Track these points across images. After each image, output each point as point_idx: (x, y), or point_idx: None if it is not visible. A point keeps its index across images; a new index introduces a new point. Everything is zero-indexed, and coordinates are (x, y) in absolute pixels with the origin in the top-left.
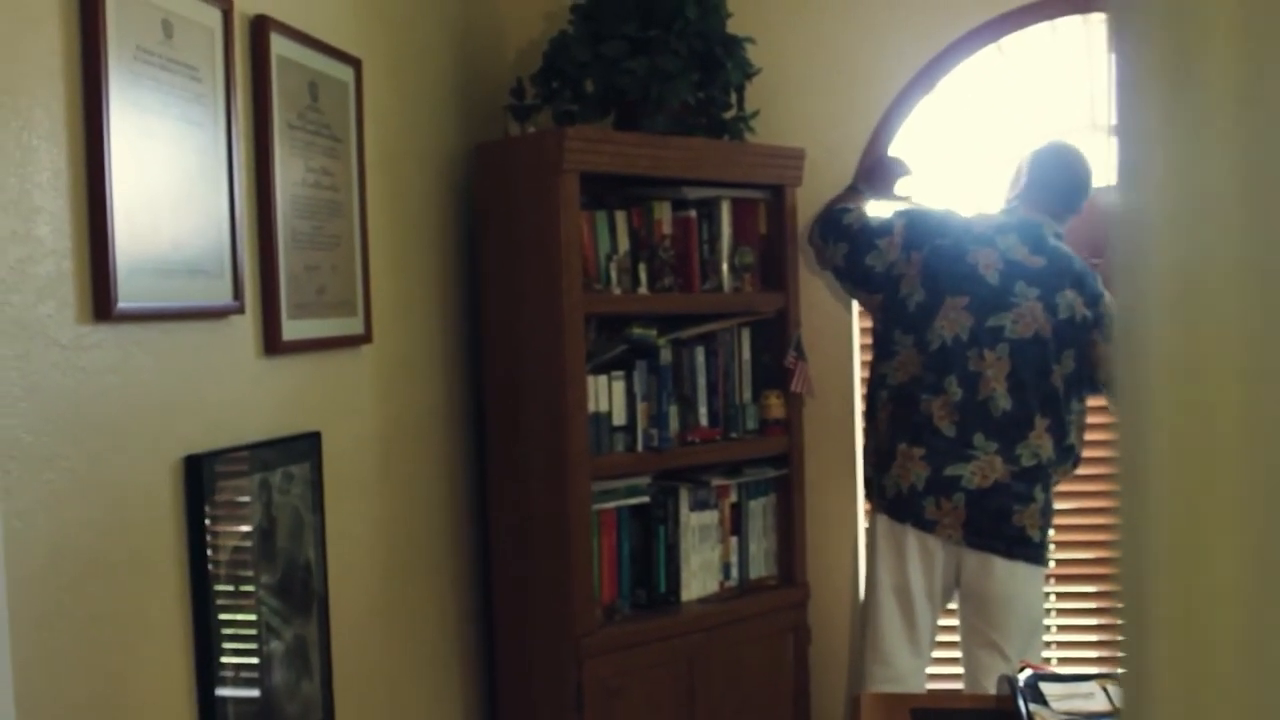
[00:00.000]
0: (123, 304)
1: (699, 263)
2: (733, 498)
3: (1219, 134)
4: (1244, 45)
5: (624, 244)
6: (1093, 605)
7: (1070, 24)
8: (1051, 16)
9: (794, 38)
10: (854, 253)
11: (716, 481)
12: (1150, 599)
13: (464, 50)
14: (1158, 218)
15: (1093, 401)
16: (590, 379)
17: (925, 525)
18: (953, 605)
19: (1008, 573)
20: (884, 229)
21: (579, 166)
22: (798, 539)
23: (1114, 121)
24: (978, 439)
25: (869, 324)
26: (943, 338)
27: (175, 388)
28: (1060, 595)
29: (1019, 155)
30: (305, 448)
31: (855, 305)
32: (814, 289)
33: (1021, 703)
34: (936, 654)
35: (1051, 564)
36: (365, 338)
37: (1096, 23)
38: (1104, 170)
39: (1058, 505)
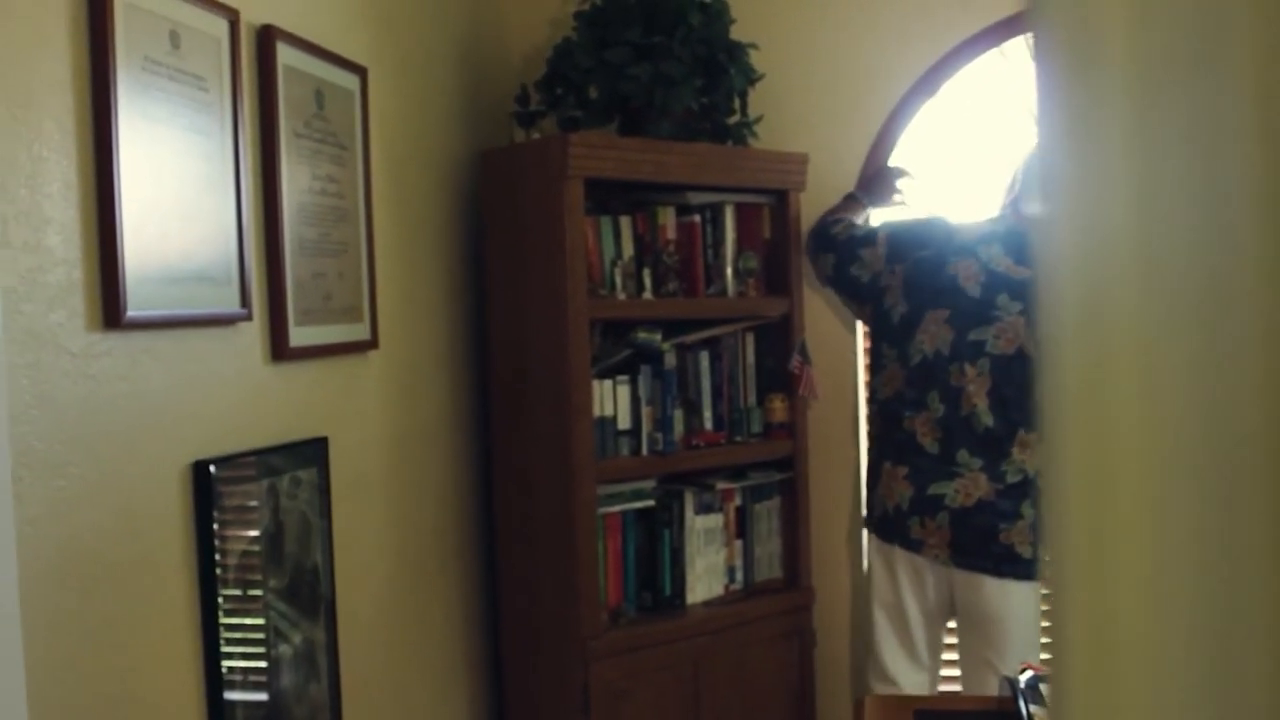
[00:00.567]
0: (132, 312)
1: (703, 267)
2: (737, 501)
3: (1115, 139)
4: (1136, 53)
5: (628, 249)
6: None
7: None
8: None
9: (797, 43)
10: (840, 263)
11: (721, 485)
12: (1066, 600)
13: (469, 57)
14: (1063, 226)
15: None
16: (595, 383)
17: (912, 545)
18: (953, 624)
19: (1000, 592)
20: (868, 238)
21: (583, 172)
22: (802, 542)
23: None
24: (961, 456)
25: None
26: (924, 352)
27: (184, 394)
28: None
29: (1018, 160)
30: (312, 453)
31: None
32: (818, 293)
33: (1022, 703)
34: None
35: None
36: (372, 343)
37: None
38: None
39: None
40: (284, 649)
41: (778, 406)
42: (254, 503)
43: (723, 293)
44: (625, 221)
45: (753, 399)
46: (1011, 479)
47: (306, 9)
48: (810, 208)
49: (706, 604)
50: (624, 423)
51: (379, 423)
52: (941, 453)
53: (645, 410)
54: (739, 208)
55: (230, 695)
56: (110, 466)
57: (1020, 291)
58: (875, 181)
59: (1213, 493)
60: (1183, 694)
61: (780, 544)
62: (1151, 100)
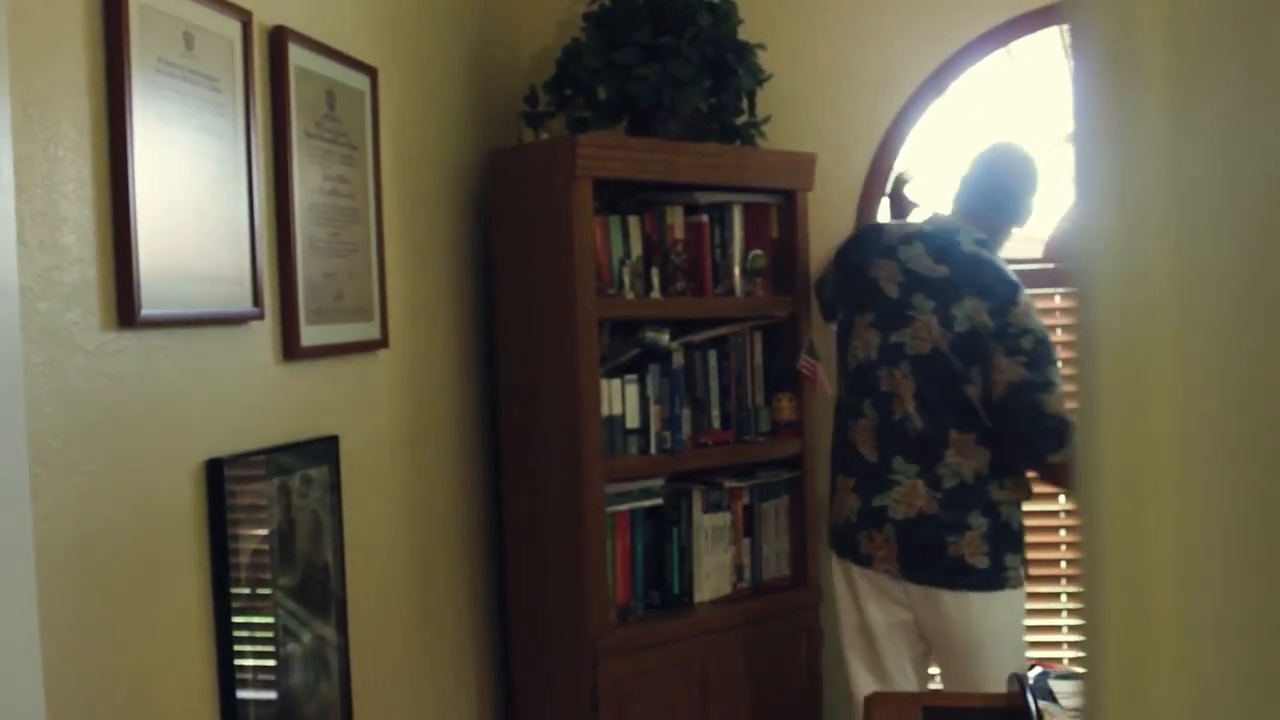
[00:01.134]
0: (146, 311)
1: (711, 267)
2: (745, 499)
3: (1152, 144)
4: (1174, 59)
5: (637, 249)
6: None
7: None
8: (1062, 21)
9: (805, 43)
10: (820, 285)
11: (729, 484)
12: (1099, 588)
13: (479, 58)
14: (1099, 225)
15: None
16: (604, 382)
17: (862, 560)
18: None
19: (959, 605)
20: (834, 257)
21: (592, 172)
22: (810, 540)
23: (1073, 134)
24: (897, 462)
25: None
26: (857, 358)
27: (196, 393)
28: (1070, 595)
29: (967, 159)
30: (323, 451)
31: None
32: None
33: (1031, 700)
34: None
35: (1023, 586)
36: (382, 342)
37: None
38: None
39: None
40: (295, 647)
41: (785, 405)
42: (265, 501)
43: (730, 292)
44: (634, 221)
45: (760, 398)
46: (949, 484)
47: (318, 10)
48: (818, 207)
49: (714, 602)
50: (632, 421)
51: (389, 421)
52: (879, 461)
53: (653, 409)
54: (747, 207)
55: (242, 693)
56: (125, 464)
57: (936, 290)
58: (893, 202)
59: (1248, 483)
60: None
61: (788, 542)
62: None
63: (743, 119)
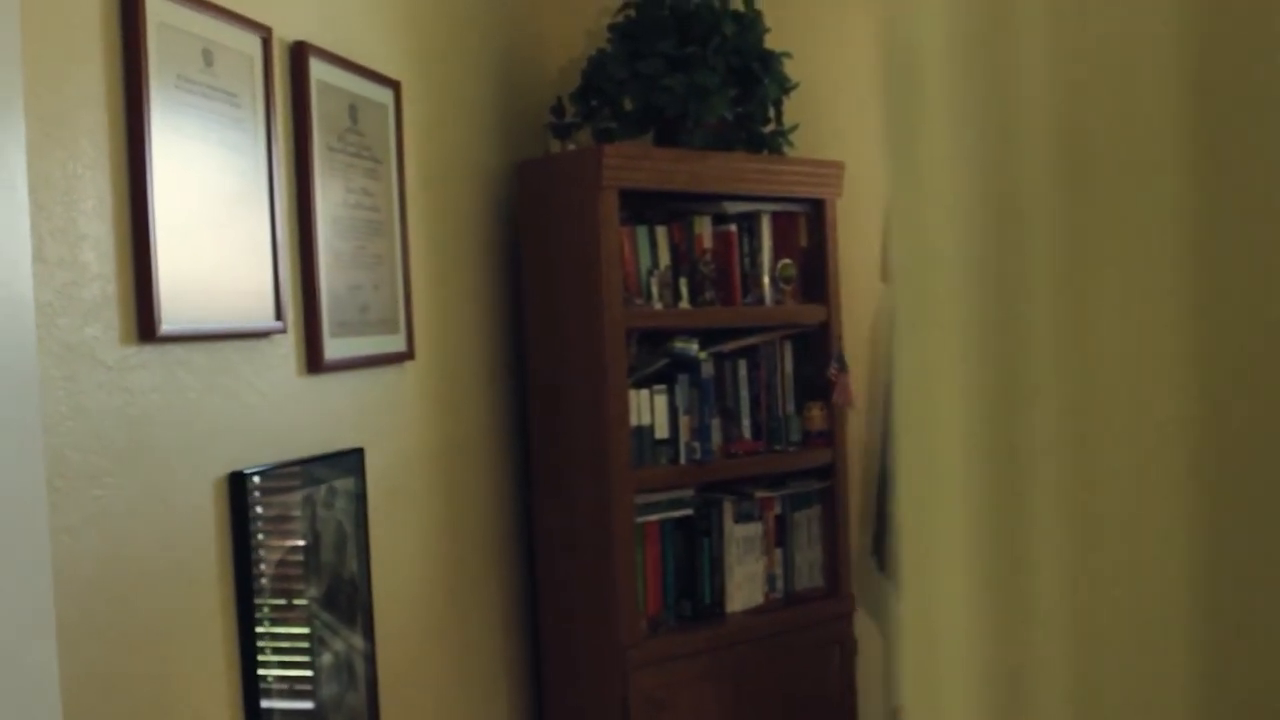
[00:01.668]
0: (166, 326)
1: (740, 276)
2: (777, 510)
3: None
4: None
5: (665, 259)
6: None
7: None
8: None
9: (831, 51)
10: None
11: (760, 494)
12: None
13: (505, 70)
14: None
15: None
16: (632, 393)
17: None
18: None
19: None
20: None
21: (618, 183)
22: (842, 550)
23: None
24: None
25: None
26: None
27: (219, 406)
28: None
29: None
30: (349, 464)
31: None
32: (856, 300)
33: None
34: None
35: None
36: (408, 355)
37: None
38: None
39: None
40: (321, 657)
41: (816, 415)
42: (290, 513)
43: (760, 301)
44: (662, 231)
45: (791, 407)
46: None
47: (339, 25)
48: (847, 215)
49: (746, 613)
50: (661, 432)
51: (416, 433)
52: None
53: (683, 419)
54: (775, 216)
55: (267, 704)
56: (147, 477)
57: None
58: None
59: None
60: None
61: (821, 552)
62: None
63: (770, 128)
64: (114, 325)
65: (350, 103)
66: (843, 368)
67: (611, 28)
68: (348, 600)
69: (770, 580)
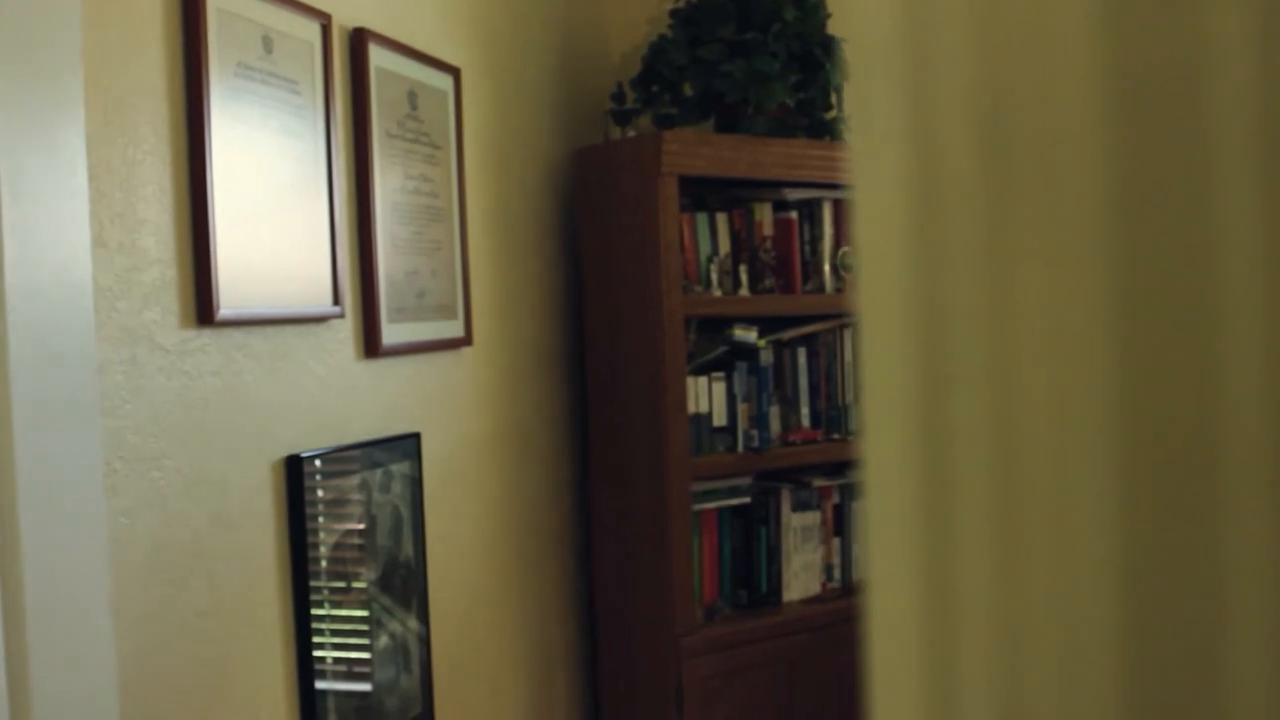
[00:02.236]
0: (224, 310)
1: (800, 264)
2: (835, 499)
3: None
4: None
5: (725, 246)
6: None
7: None
8: None
9: None
10: None
11: (818, 482)
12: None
13: (565, 56)
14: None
15: None
16: (690, 380)
17: None
18: None
19: None
20: None
21: (677, 170)
22: None
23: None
24: None
25: None
26: None
27: (276, 390)
28: None
29: None
30: (405, 448)
31: None
32: None
33: None
34: None
35: None
36: (465, 340)
37: None
38: None
39: None
40: (376, 640)
41: None
42: (347, 496)
43: (820, 289)
44: (722, 218)
45: (850, 396)
46: None
47: (399, 11)
48: None
49: (804, 602)
50: (719, 420)
51: (473, 418)
52: None
53: (741, 407)
54: (837, 203)
55: (322, 685)
56: (204, 459)
57: None
58: None
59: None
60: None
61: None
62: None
63: (832, 114)
64: (173, 309)
65: (409, 89)
66: None
67: (673, 13)
68: (403, 584)
69: (828, 569)
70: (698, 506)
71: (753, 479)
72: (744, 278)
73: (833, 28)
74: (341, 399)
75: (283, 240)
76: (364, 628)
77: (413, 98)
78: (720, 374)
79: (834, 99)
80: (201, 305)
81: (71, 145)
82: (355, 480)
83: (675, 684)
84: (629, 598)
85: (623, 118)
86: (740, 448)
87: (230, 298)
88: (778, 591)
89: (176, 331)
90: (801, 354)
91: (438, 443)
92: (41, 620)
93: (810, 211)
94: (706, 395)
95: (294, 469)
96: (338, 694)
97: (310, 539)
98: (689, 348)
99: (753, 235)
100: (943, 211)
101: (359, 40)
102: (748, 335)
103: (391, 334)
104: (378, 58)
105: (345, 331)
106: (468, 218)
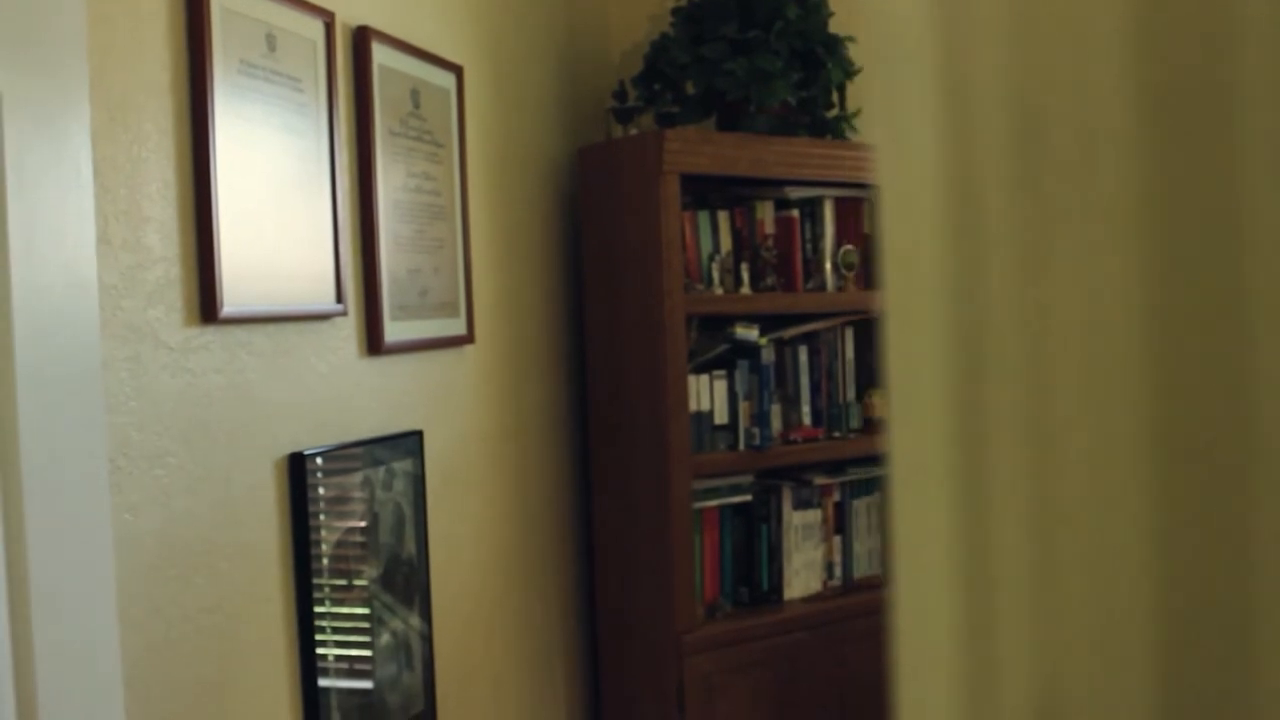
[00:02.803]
0: (228, 308)
1: (801, 262)
2: (836, 497)
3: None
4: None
5: (726, 244)
6: None
7: None
8: None
9: None
10: None
11: (819, 480)
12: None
13: (567, 54)
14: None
15: None
16: (692, 378)
17: None
18: None
19: None
20: None
21: (679, 168)
22: None
23: None
24: None
25: None
26: None
27: (279, 387)
28: None
29: None
30: (408, 446)
31: None
32: None
33: None
34: None
35: None
36: (468, 338)
37: None
38: None
39: None
40: (378, 637)
41: (877, 402)
42: (349, 494)
43: (822, 287)
44: (723, 216)
45: (851, 394)
46: None
47: (401, 9)
48: None
49: (805, 599)
50: (721, 418)
51: (475, 416)
52: None
53: (742, 405)
54: (838, 202)
55: (325, 682)
56: (207, 457)
57: None
58: None
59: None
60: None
61: (880, 540)
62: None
63: (833, 113)
64: (177, 307)
65: (412, 87)
66: None
67: (674, 11)
68: (405, 581)
69: (829, 567)
70: (699, 504)
71: (754, 477)
72: (745, 276)
73: (835, 26)
74: (344, 396)
75: (285, 238)
76: (367, 625)
77: (415, 96)
78: (721, 372)
79: (836, 97)
80: (205, 303)
81: (76, 141)
82: (358, 478)
83: (676, 681)
84: (630, 595)
85: (624, 116)
86: (741, 446)
87: (234, 295)
88: (779, 589)
89: (180, 329)
90: (803, 352)
91: (440, 441)
92: (47, 617)
93: (812, 210)
94: (708, 393)
95: (297, 466)
96: (340, 691)
97: (313, 536)
98: (690, 346)
99: (754, 233)
100: (978, 210)
101: (362, 38)
102: (749, 333)
103: (394, 332)
104: (380, 56)
105: (348, 329)
106: (470, 216)
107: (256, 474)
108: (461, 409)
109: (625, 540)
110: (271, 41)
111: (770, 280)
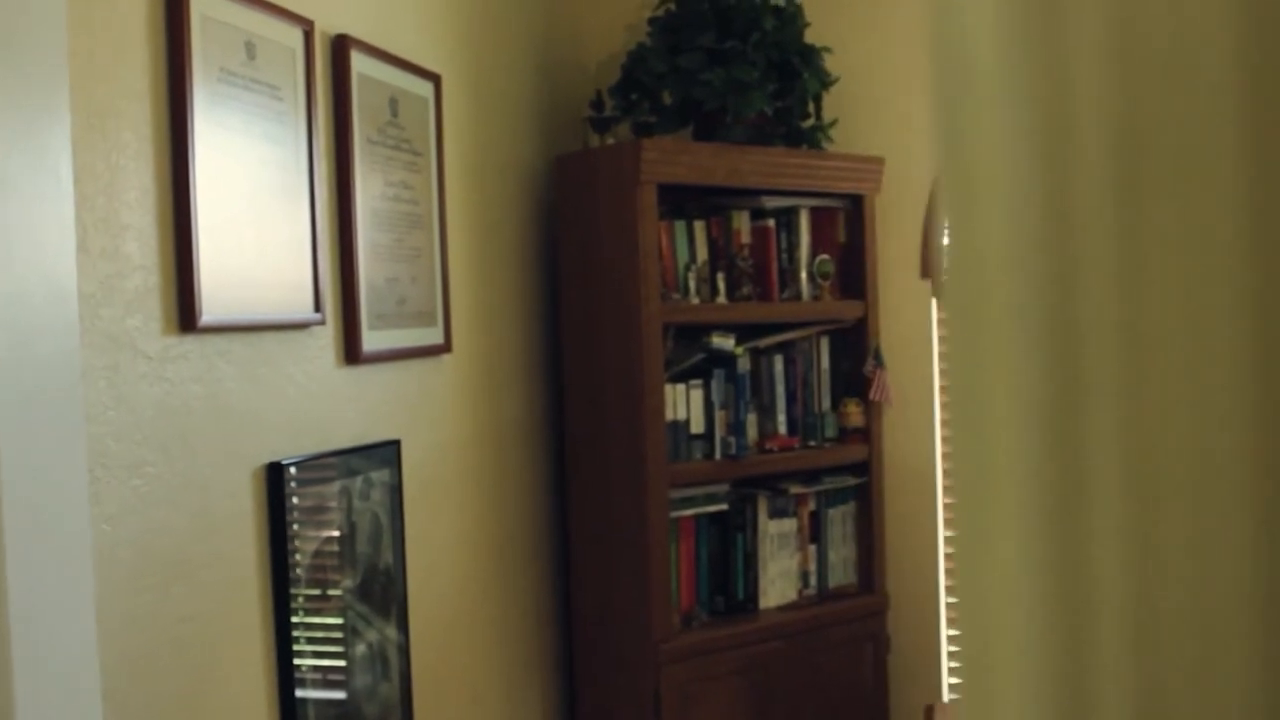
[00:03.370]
0: (207, 317)
1: (777, 271)
2: (811, 506)
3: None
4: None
5: (703, 253)
6: None
7: None
8: None
9: (871, 46)
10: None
11: (795, 489)
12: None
13: (544, 64)
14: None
15: None
16: (668, 387)
17: None
18: None
19: None
20: None
21: (656, 178)
22: (877, 547)
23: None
24: None
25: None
26: None
27: (257, 397)
28: None
29: None
30: (385, 455)
31: (935, 314)
32: (894, 297)
33: None
34: None
35: None
36: (445, 347)
37: None
38: None
39: None
40: (356, 647)
41: (853, 411)
42: (326, 504)
43: (797, 297)
44: (699, 226)
45: (827, 403)
46: None
47: (380, 18)
48: (886, 211)
49: (780, 608)
50: (697, 427)
51: (452, 425)
52: None
53: (718, 414)
54: (814, 211)
55: (302, 693)
56: (185, 466)
57: None
58: None
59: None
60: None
61: (855, 549)
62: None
63: (809, 123)
64: (155, 316)
65: (391, 95)
66: (880, 364)
67: (651, 21)
68: (383, 591)
69: (804, 576)
70: (675, 513)
71: (730, 486)
72: (721, 285)
73: (811, 36)
74: (322, 406)
75: (264, 246)
76: (343, 635)
77: (394, 104)
78: (698, 381)
79: (812, 107)
80: (184, 312)
81: (56, 149)
82: (335, 487)
83: (653, 690)
84: (607, 604)
85: (601, 125)
86: (718, 455)
87: (212, 304)
88: (754, 598)
89: (159, 338)
90: (779, 361)
91: (417, 450)
92: (25, 627)
93: (787, 220)
94: (684, 402)
95: (275, 476)
96: (317, 702)
97: (290, 546)
98: (667, 355)
99: (730, 243)
100: (1075, 230)
101: (341, 47)
102: (725, 343)
103: (372, 341)
104: (359, 64)
105: (326, 338)
106: (447, 225)
107: (234, 484)
108: (438, 418)
109: (602, 549)
110: (251, 49)
111: (746, 290)
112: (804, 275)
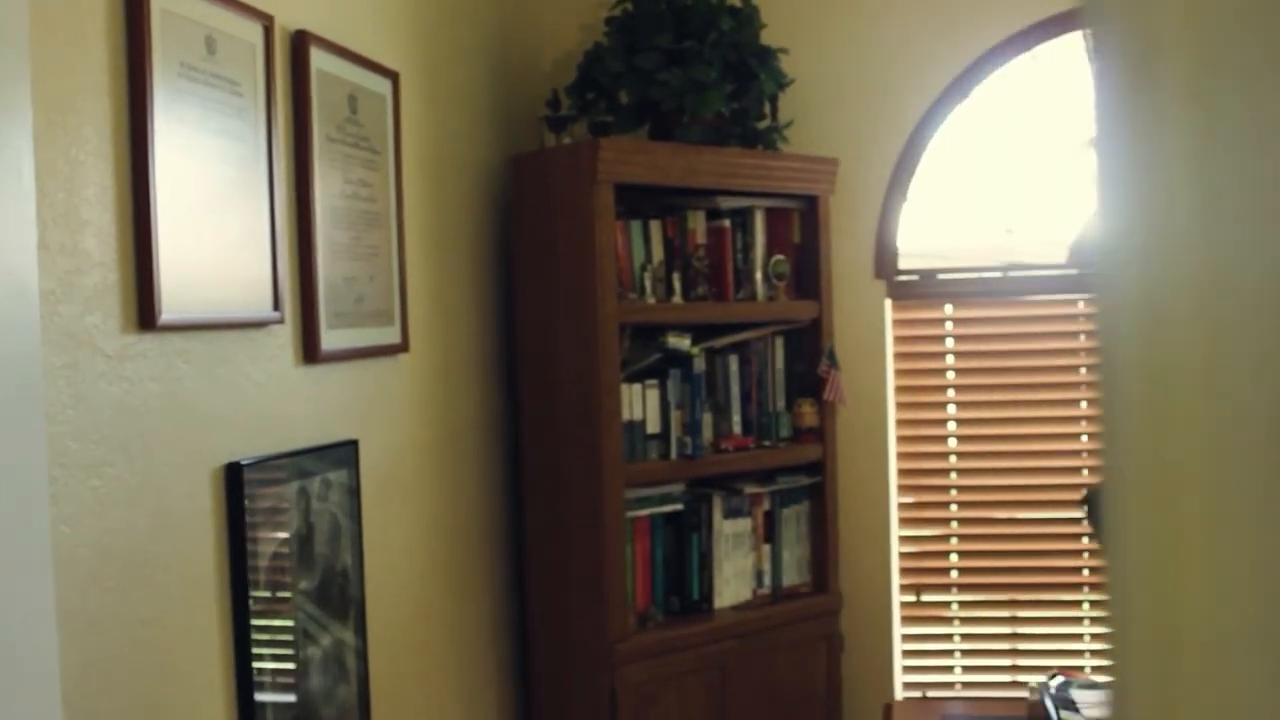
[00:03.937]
0: (166, 315)
1: (733, 272)
2: (766, 505)
3: (1176, 149)
4: (1196, 62)
5: (658, 253)
6: None
7: None
8: (1083, 26)
9: (828, 48)
10: None
11: (750, 489)
12: (1129, 605)
13: (501, 63)
14: (1122, 232)
15: None
16: (624, 387)
17: None
18: None
19: None
20: None
21: (613, 177)
22: (831, 546)
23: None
24: None
25: (902, 333)
26: None
27: (216, 396)
28: (1093, 604)
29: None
30: (343, 455)
31: (888, 314)
32: (847, 297)
33: (1052, 708)
34: (968, 661)
35: None
36: (402, 347)
37: None
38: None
39: None
40: (313, 650)
41: (807, 411)
42: (285, 504)
43: (752, 297)
44: (655, 226)
45: (781, 403)
46: None
47: (340, 14)
48: (840, 212)
49: (735, 608)
50: (653, 427)
51: (409, 425)
52: None
53: (674, 414)
54: (769, 212)
55: (260, 696)
56: (144, 467)
57: None
58: None
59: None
60: (1250, 697)
61: (809, 548)
62: (1212, 95)
63: (765, 123)
64: (115, 314)
65: (350, 93)
66: (834, 364)
67: (608, 21)
68: (340, 593)
69: (758, 576)
70: (631, 513)
71: (685, 486)
72: (677, 285)
73: (768, 37)
74: (281, 405)
75: (224, 244)
76: (302, 637)
77: (353, 101)
78: (654, 381)
79: (768, 108)
80: (143, 310)
81: (16, 145)
82: (294, 488)
83: (609, 690)
84: (563, 604)
85: (558, 125)
86: (673, 455)
87: (172, 302)
88: (709, 598)
89: (118, 336)
90: (734, 361)
91: (375, 450)
92: None
93: (743, 220)
94: (640, 402)
95: (234, 476)
96: (276, 705)
97: (249, 548)
98: (623, 354)
99: (686, 243)
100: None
101: (300, 42)
102: (681, 343)
103: (330, 340)
104: (319, 60)
105: (284, 337)
106: (405, 223)
107: (193, 484)
108: (396, 418)
109: (557, 549)
110: (211, 44)
111: (702, 290)
112: (759, 275)
